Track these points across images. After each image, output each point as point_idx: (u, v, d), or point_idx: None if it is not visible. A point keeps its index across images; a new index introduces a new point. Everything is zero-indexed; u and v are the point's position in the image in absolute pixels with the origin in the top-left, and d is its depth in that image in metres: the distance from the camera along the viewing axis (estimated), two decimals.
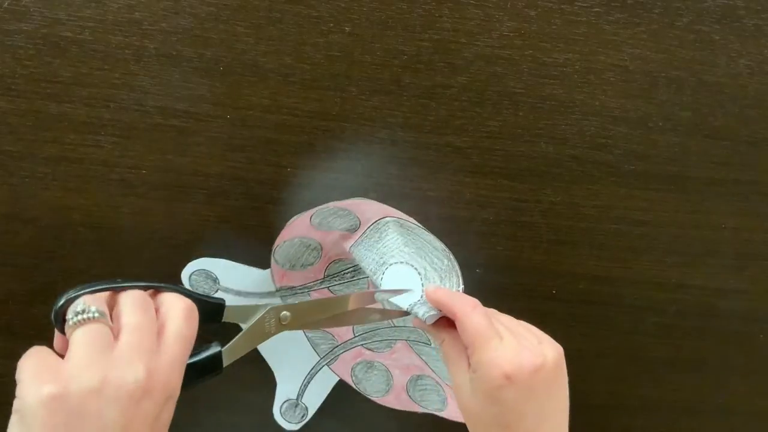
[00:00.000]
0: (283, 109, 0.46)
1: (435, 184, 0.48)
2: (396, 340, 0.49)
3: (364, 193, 0.48)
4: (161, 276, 0.49)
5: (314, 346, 0.50)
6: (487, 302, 0.53)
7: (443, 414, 0.50)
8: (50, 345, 0.51)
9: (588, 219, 0.50)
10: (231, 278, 0.48)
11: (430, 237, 0.45)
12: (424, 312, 0.40)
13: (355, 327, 0.49)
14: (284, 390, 0.51)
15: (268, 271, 0.48)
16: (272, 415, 0.53)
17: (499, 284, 0.51)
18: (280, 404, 0.51)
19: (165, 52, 0.45)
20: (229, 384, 0.52)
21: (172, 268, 0.49)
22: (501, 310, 0.51)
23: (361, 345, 0.49)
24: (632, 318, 0.52)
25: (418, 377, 0.50)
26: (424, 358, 0.49)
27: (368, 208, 0.46)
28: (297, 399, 0.50)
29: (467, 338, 0.38)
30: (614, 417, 0.54)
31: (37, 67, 0.45)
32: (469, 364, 0.38)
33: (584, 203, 0.49)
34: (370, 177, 0.48)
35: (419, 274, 0.44)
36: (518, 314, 0.51)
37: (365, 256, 0.45)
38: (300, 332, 0.50)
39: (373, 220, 0.46)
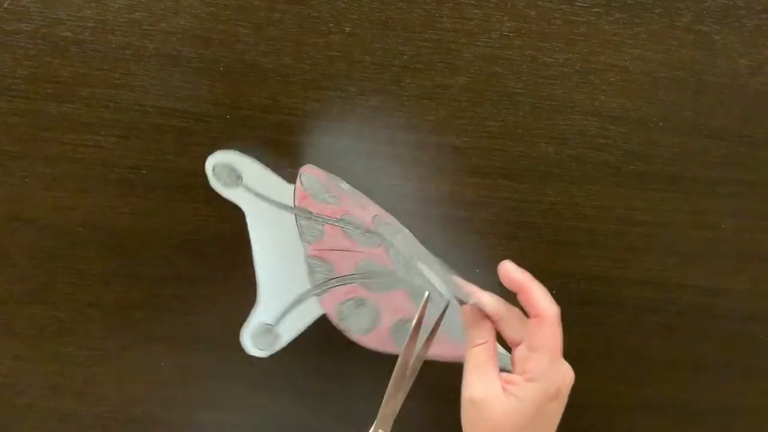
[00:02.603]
0: (283, 109, 0.46)
1: (435, 184, 0.48)
2: (397, 288, 0.48)
3: (365, 194, 0.48)
4: (160, 275, 0.49)
5: (310, 272, 0.48)
6: None
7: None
8: (49, 345, 0.51)
9: (588, 219, 0.50)
10: (255, 180, 0.47)
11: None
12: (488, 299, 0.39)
13: (358, 264, 0.48)
14: (263, 312, 0.49)
15: (292, 186, 0.47)
16: (271, 413, 0.53)
17: (499, 284, 0.51)
18: (254, 326, 0.49)
19: (165, 52, 0.45)
20: (229, 384, 0.52)
21: (172, 269, 0.49)
22: None
23: (359, 281, 0.48)
24: (632, 318, 0.52)
25: (407, 321, 0.48)
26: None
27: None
28: (273, 324, 0.49)
29: (540, 342, 0.37)
30: (614, 417, 0.54)
31: (37, 67, 0.45)
32: (504, 372, 0.38)
33: (584, 203, 0.49)
34: (370, 177, 0.48)
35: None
36: None
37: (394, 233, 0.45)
38: (300, 251, 0.48)
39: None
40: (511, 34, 0.46)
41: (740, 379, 0.54)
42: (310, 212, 0.47)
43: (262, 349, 0.50)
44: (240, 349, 0.51)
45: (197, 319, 0.51)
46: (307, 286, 0.49)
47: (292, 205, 0.47)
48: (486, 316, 0.39)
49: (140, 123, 0.46)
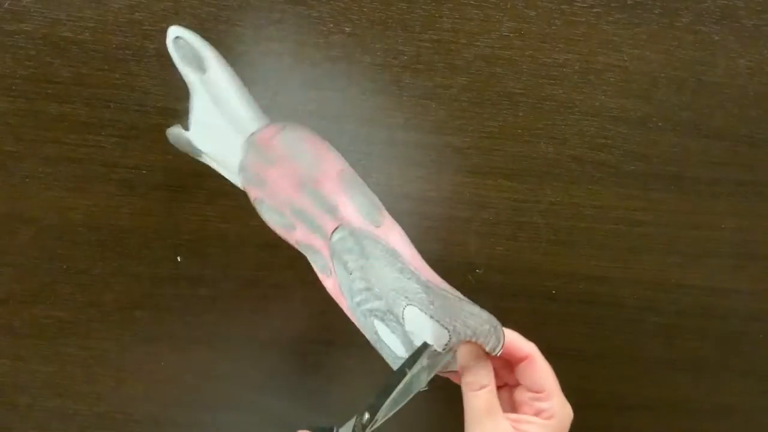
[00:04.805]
0: (283, 109, 0.46)
1: (435, 184, 0.48)
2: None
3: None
4: (160, 275, 0.49)
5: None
6: (487, 302, 0.52)
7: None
8: (49, 345, 0.51)
9: (588, 219, 0.50)
10: (218, 84, 0.40)
11: (465, 303, 0.38)
12: (493, 345, 0.37)
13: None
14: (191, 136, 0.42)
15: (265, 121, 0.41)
16: (270, 414, 0.53)
17: (499, 284, 0.51)
18: (173, 132, 0.42)
19: (165, 52, 0.45)
20: (229, 384, 0.52)
21: (172, 269, 0.49)
22: (501, 309, 0.51)
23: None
24: (632, 318, 0.52)
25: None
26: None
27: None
28: (189, 141, 0.42)
29: (540, 381, 0.37)
30: (614, 417, 0.54)
31: (38, 67, 0.45)
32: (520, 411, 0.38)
33: (584, 203, 0.49)
34: (369, 177, 0.48)
35: (447, 330, 0.38)
36: (518, 314, 0.51)
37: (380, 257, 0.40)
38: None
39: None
40: (511, 34, 0.46)
41: (740, 379, 0.54)
42: (266, 155, 0.41)
43: (183, 149, 0.43)
44: (240, 349, 0.51)
45: (197, 319, 0.51)
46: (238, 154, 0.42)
47: (247, 135, 0.40)
48: (486, 356, 0.37)
49: (140, 123, 0.46)
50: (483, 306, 0.49)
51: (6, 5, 0.44)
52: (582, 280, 0.51)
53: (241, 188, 0.43)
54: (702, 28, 0.46)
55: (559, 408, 0.37)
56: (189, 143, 0.43)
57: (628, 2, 0.46)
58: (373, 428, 0.38)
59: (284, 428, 0.53)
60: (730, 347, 0.53)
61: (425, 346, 0.38)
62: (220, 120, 0.41)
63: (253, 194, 0.43)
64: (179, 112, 0.46)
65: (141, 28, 0.44)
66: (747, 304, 0.52)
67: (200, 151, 0.43)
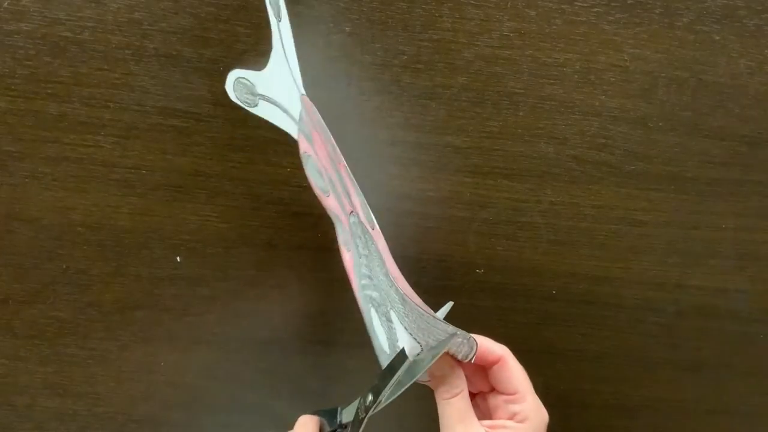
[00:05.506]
0: None
1: (435, 184, 0.48)
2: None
3: (365, 194, 0.48)
4: (160, 275, 0.49)
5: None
6: (487, 302, 0.53)
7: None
8: (49, 345, 0.51)
9: (588, 219, 0.50)
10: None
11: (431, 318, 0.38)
12: (466, 353, 0.37)
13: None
14: (259, 77, 0.43)
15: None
16: (270, 414, 0.53)
17: (499, 284, 0.51)
18: (245, 75, 0.43)
19: (165, 52, 0.45)
20: (229, 384, 0.52)
21: (173, 269, 0.49)
22: (501, 310, 0.52)
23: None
24: (632, 318, 0.52)
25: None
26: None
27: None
28: (257, 94, 0.43)
29: (513, 383, 0.37)
30: (614, 417, 0.54)
31: (37, 67, 0.45)
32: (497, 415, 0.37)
33: (584, 203, 0.49)
34: (369, 177, 0.48)
35: (420, 345, 0.38)
36: (518, 314, 0.51)
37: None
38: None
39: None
40: (511, 34, 0.46)
41: (740, 379, 0.54)
42: (312, 118, 0.43)
43: (237, 97, 0.43)
44: (240, 349, 0.51)
45: (197, 319, 0.51)
46: (297, 111, 0.43)
47: (300, 93, 0.43)
48: (457, 364, 0.37)
49: (140, 123, 0.46)
50: (483, 306, 0.50)
51: (5, 5, 0.44)
52: (582, 280, 0.51)
53: (295, 137, 0.44)
54: (703, 27, 0.46)
55: (532, 410, 0.36)
56: (251, 87, 0.43)
57: (629, 2, 0.46)
58: (376, 410, 0.38)
59: (284, 428, 0.53)
60: (731, 347, 0.53)
61: (403, 354, 0.38)
62: (287, 69, 0.42)
63: (303, 147, 0.44)
64: (179, 112, 0.46)
65: (140, 28, 0.44)
66: (747, 304, 0.52)
67: (261, 96, 0.43)
